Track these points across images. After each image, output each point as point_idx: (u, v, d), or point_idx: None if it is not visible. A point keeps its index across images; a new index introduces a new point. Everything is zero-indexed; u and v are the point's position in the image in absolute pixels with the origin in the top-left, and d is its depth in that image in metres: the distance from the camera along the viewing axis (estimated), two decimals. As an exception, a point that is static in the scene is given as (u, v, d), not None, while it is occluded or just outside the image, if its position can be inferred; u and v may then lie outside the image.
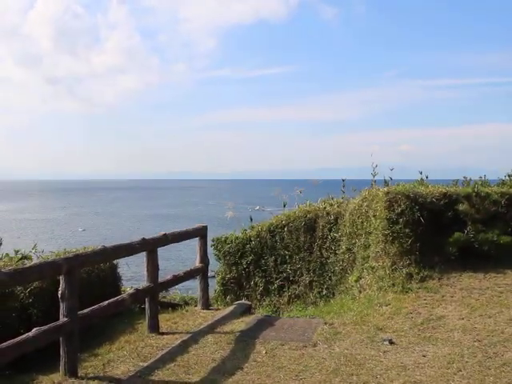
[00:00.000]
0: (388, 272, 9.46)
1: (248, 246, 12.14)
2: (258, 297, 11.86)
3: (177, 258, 37.70)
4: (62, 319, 6.01)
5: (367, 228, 10.24)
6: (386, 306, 8.61)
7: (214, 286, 12.16)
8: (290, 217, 11.96)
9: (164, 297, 11.19)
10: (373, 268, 9.75)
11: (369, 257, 10.01)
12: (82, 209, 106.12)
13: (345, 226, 11.04)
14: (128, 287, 10.39)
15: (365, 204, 10.53)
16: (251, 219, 12.96)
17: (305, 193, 13.34)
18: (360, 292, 9.75)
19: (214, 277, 12.36)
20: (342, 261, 10.96)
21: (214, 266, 12.24)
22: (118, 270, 10.00)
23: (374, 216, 10.02)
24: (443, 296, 8.74)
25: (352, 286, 10.17)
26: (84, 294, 6.78)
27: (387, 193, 9.89)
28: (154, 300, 8.04)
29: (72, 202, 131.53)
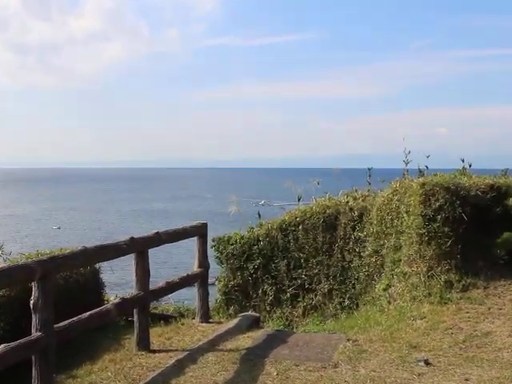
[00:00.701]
0: (423, 279, 9.42)
1: (256, 247, 12.14)
2: (268, 308, 11.87)
3: (170, 262, 37.77)
4: (35, 334, 6.00)
5: (398, 226, 10.21)
6: (421, 319, 8.58)
7: (214, 294, 12.16)
8: (306, 213, 11.95)
9: (155, 307, 11.20)
10: (405, 274, 9.72)
11: (400, 261, 9.98)
12: (57, 203, 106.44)
13: (371, 223, 11.02)
14: (112, 296, 10.40)
15: (395, 198, 10.50)
16: (259, 215, 12.95)
17: (323, 184, 13.32)
18: (389, 303, 9.73)
19: (214, 284, 12.37)
20: (368, 265, 10.96)
21: (215, 270, 12.24)
22: (101, 275, 10.01)
23: (407, 212, 9.98)
24: (489, 308, 8.70)
25: (380, 296, 10.16)
26: (61, 304, 6.75)
27: (423, 184, 9.83)
28: (144, 311, 8.04)
29: (44, 194, 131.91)
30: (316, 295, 11.59)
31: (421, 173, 11.46)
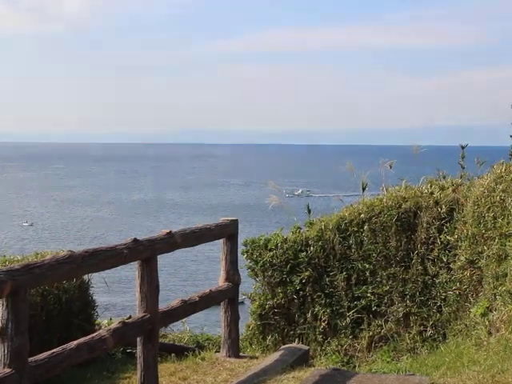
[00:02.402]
0: (539, 302, 9.39)
1: (304, 254, 12.10)
2: (320, 338, 11.86)
3: (183, 272, 37.87)
4: (3, 370, 6.04)
5: (504, 227, 10.16)
6: (536, 358, 8.54)
7: (246, 318, 12.18)
8: (374, 207, 11.89)
9: (164, 335, 11.26)
10: (512, 294, 9.68)
11: (506, 275, 9.93)
12: (27, 190, 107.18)
13: (465, 223, 10.95)
14: (105, 319, 10.47)
15: (500, 187, 10.45)
16: (309, 210, 12.90)
17: (397, 167, 13.25)
18: (490, 333, 9.69)
19: (243, 303, 12.39)
20: (460, 281, 10.91)
21: (247, 285, 12.26)
22: (91, 290, 10.07)
23: (517, 208, 9.95)
24: None
25: (476, 324, 10.12)
26: (36, 329, 6.82)
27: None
28: (151, 340, 8.07)
29: (9, 178, 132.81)
30: (387, 321, 11.56)
31: (536, 153, 11.41)
